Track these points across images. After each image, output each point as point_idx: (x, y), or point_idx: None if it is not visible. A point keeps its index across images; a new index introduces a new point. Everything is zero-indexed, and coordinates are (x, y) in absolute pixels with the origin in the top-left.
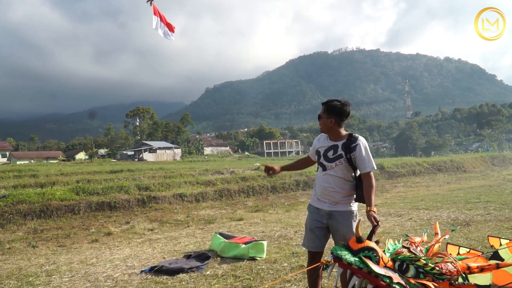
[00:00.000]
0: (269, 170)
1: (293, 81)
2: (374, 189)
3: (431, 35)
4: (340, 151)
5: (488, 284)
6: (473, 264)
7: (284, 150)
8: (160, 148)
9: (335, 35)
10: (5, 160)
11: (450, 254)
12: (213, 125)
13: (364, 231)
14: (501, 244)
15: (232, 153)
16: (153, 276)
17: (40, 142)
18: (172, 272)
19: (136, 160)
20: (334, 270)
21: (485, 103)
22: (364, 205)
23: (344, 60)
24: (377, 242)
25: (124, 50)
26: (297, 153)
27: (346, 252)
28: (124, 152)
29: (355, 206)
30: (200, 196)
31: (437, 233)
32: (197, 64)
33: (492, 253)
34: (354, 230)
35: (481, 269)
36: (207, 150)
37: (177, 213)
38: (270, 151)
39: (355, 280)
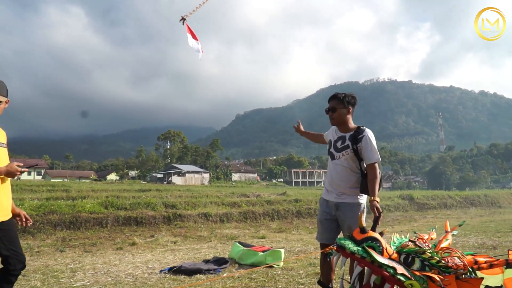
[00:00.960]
0: (297, 127)
1: (322, 110)
2: (378, 180)
3: (466, 67)
4: (347, 142)
5: (499, 285)
6: (481, 259)
7: (313, 180)
8: (189, 172)
9: (367, 66)
10: (39, 177)
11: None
12: (242, 152)
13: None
14: None
15: (259, 180)
16: (171, 275)
17: (74, 162)
18: (189, 272)
19: (165, 183)
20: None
21: None
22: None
23: (375, 90)
24: (381, 234)
25: (160, 74)
26: None
27: (350, 242)
28: (154, 174)
29: (363, 199)
30: (224, 216)
31: (447, 231)
32: (229, 90)
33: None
34: (357, 221)
35: (490, 265)
36: (235, 176)
37: (201, 230)
38: (298, 180)
39: (359, 270)
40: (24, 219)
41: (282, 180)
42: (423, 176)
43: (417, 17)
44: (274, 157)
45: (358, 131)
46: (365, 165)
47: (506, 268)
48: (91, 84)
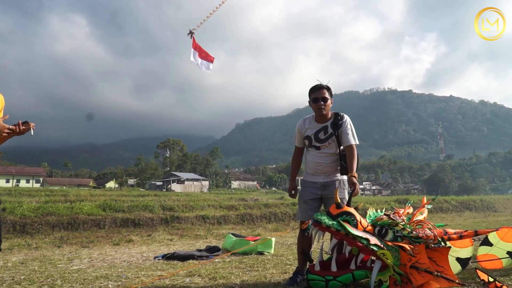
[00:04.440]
0: (293, 194)
1: None
2: (356, 159)
3: (470, 78)
4: (330, 130)
5: (469, 256)
6: (451, 230)
7: None
8: (188, 180)
9: (371, 76)
10: (38, 185)
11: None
12: (241, 161)
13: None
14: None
15: (259, 188)
16: (164, 261)
17: (73, 170)
18: (182, 257)
19: (164, 190)
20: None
21: None
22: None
23: (375, 100)
24: (356, 208)
25: (162, 84)
26: None
27: (326, 217)
28: (153, 182)
29: (344, 176)
30: (222, 219)
31: (422, 205)
32: (231, 100)
33: (482, 239)
34: (346, 196)
35: (460, 236)
36: (235, 184)
37: (198, 231)
38: (298, 187)
39: (334, 241)
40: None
41: (282, 188)
42: (422, 184)
43: (423, 27)
44: (274, 165)
45: (338, 118)
46: (343, 147)
47: (480, 245)
48: (93, 93)
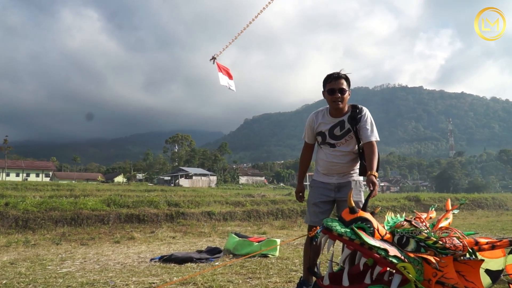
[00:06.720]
0: (300, 197)
1: None
2: (376, 157)
3: (485, 74)
4: (347, 126)
5: (501, 269)
6: (482, 240)
7: None
8: (196, 175)
9: (384, 71)
10: (48, 179)
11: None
12: (250, 156)
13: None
14: None
15: (267, 183)
16: (161, 264)
17: (82, 165)
18: (180, 260)
19: (172, 185)
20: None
21: None
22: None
23: (386, 96)
24: (372, 213)
25: (173, 79)
26: None
27: (337, 223)
28: (161, 177)
29: (360, 177)
30: (228, 215)
31: (448, 210)
32: (242, 95)
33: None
34: (362, 199)
35: (492, 246)
36: (243, 179)
37: (203, 228)
38: (306, 183)
39: (347, 252)
40: None
41: (290, 184)
42: (431, 181)
43: (439, 23)
44: (282, 161)
45: (356, 111)
46: (361, 143)
47: (509, 253)
48: (104, 88)
